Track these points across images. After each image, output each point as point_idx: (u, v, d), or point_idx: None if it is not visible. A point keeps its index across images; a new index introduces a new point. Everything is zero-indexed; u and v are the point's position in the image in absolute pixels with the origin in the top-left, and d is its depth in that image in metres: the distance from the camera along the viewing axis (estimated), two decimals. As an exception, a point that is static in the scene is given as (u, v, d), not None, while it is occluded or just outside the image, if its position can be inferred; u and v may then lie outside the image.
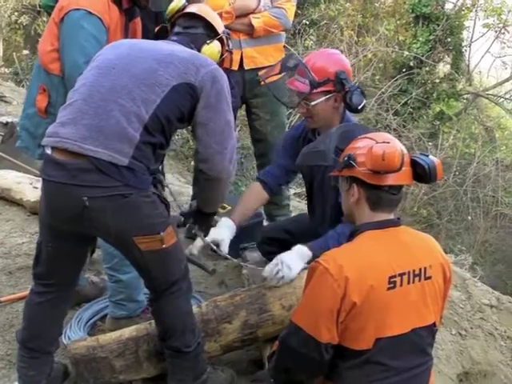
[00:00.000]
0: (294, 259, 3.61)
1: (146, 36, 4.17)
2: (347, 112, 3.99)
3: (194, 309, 3.62)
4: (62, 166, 2.97)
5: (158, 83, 3.07)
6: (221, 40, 3.60)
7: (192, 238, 5.69)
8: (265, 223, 5.45)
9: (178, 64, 3.14)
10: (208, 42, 3.51)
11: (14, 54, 18.52)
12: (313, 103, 3.87)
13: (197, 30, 3.53)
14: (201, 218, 3.75)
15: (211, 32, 3.56)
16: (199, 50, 3.44)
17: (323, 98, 3.85)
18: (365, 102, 3.87)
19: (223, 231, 3.98)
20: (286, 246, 4.00)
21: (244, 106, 5.59)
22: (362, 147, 2.77)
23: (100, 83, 3.09)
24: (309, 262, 3.51)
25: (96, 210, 2.97)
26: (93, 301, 4.37)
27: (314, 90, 3.82)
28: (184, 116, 3.20)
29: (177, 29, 3.55)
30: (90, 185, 2.93)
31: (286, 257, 3.61)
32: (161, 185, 3.41)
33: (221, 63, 3.58)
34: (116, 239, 3.20)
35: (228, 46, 3.67)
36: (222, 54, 3.60)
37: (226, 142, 3.30)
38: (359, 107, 3.83)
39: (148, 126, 3.03)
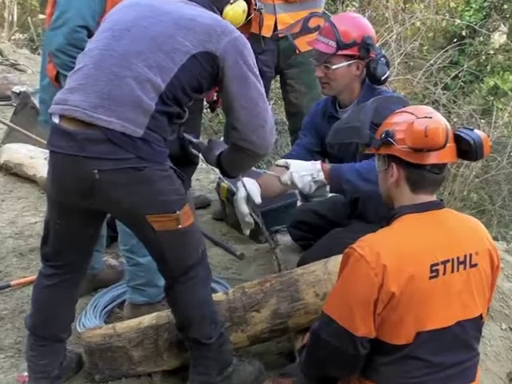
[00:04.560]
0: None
1: None
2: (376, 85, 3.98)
3: (220, 296, 3.66)
4: (71, 136, 2.96)
5: (177, 50, 3.04)
6: None
7: (219, 219, 5.74)
8: (299, 203, 5.45)
9: (199, 31, 3.10)
10: (231, 1, 3.43)
11: (29, 18, 18.61)
12: (333, 67, 3.91)
13: None
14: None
15: None
16: (222, 11, 3.39)
17: (345, 63, 3.90)
18: (388, 73, 3.90)
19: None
20: (317, 231, 4.02)
21: (278, 78, 5.59)
22: (401, 123, 2.72)
23: (113, 47, 3.06)
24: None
25: (107, 184, 2.97)
26: (110, 286, 4.41)
27: (339, 52, 3.84)
28: (202, 87, 3.18)
29: None
30: (100, 157, 2.93)
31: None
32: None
33: (248, 25, 3.56)
34: (128, 216, 3.23)
35: (255, 5, 3.61)
36: (248, 14, 3.53)
37: (263, 114, 3.25)
38: (382, 78, 3.86)
39: (163, 96, 3.01)
